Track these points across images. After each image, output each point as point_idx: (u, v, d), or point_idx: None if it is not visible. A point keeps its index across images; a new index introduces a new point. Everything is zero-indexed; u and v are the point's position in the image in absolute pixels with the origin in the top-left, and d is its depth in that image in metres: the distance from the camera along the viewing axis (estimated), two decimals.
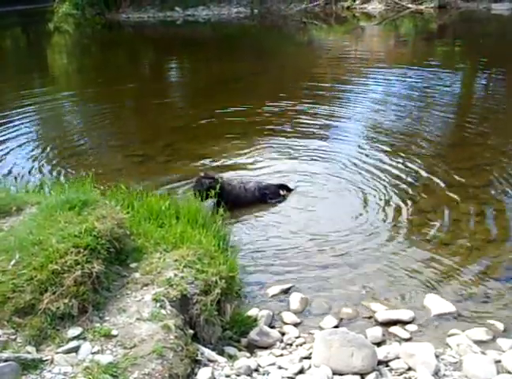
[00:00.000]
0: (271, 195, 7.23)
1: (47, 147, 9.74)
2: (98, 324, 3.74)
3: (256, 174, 8.02)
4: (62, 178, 7.89)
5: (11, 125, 11.13)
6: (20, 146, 9.72)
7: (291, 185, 7.49)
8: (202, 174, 6.92)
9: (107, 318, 3.82)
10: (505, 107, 11.60)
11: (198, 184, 6.77)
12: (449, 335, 4.44)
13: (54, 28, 33.60)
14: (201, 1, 34.07)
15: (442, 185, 7.47)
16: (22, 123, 11.29)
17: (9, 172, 8.28)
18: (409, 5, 31.00)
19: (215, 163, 8.49)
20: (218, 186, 6.50)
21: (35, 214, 4.64)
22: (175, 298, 4.05)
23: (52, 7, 37.44)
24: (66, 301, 3.70)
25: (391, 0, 31.54)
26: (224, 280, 4.38)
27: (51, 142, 10.30)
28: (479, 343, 4.32)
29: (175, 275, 4.26)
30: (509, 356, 4.04)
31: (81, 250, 3.98)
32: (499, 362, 4.00)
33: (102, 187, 6.35)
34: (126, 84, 15.81)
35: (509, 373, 3.88)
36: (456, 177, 7.70)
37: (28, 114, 12.09)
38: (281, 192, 7.37)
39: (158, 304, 3.95)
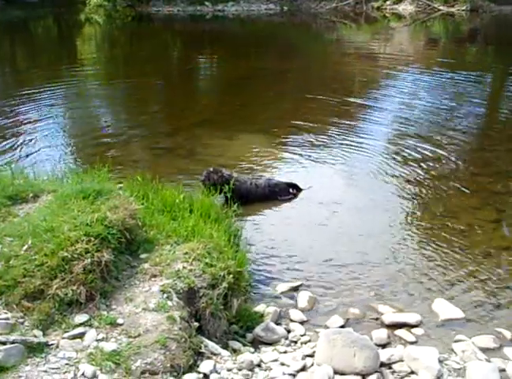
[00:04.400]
0: (281, 192, 7.29)
1: (70, 135, 9.92)
2: (104, 312, 3.82)
3: (272, 172, 8.06)
4: (80, 166, 7.97)
5: (37, 113, 11.24)
6: (43, 133, 9.85)
7: (301, 185, 7.49)
8: (211, 168, 6.96)
9: (113, 307, 3.90)
10: None
11: (206, 178, 6.84)
12: (455, 341, 4.42)
13: (85, 19, 33.94)
14: None
15: (461, 190, 7.41)
16: (48, 111, 11.43)
17: (30, 159, 8.39)
18: (440, 7, 30.64)
19: (233, 159, 8.49)
20: (231, 181, 6.58)
21: (50, 201, 4.74)
22: (182, 290, 4.10)
23: None
24: (75, 288, 3.79)
25: (422, 1, 31.18)
26: (231, 275, 4.40)
27: (75, 130, 10.50)
28: (485, 350, 4.29)
29: (184, 267, 4.31)
30: None
31: (92, 239, 4.06)
32: (504, 370, 3.97)
33: (119, 177, 6.44)
34: (153, 77, 15.95)
35: None
36: (476, 182, 7.65)
37: (54, 102, 12.26)
38: (291, 190, 7.40)
39: (165, 295, 4.01)
